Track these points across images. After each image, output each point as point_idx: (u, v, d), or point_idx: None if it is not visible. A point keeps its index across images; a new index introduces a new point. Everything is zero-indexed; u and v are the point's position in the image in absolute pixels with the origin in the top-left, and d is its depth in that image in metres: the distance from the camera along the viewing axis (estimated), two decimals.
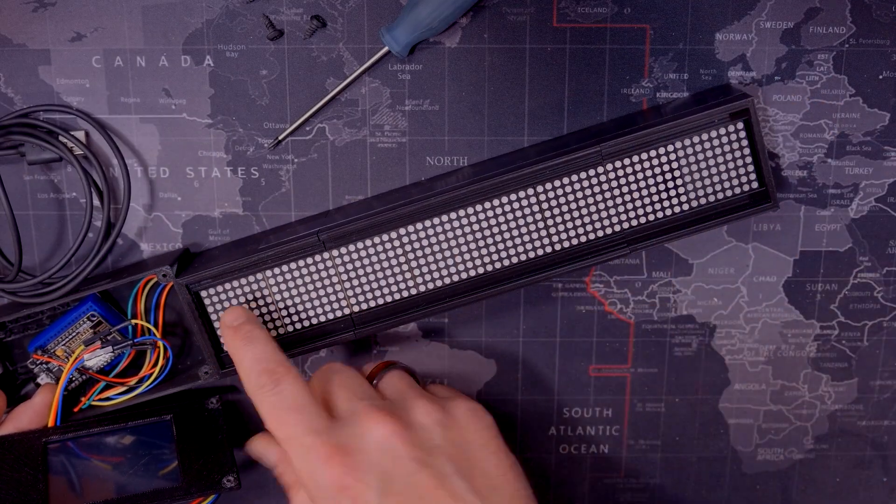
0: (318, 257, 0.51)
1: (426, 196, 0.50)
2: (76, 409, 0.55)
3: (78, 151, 0.53)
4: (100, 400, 0.55)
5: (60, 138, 0.53)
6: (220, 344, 0.53)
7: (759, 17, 0.52)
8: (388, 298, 0.52)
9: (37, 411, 0.53)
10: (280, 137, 0.54)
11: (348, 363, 0.58)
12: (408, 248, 0.51)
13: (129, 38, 0.53)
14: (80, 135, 0.53)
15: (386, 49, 0.52)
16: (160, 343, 0.54)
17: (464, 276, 0.52)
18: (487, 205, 0.50)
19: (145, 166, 0.55)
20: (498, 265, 0.52)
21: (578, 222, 0.51)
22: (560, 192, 0.50)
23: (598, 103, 0.54)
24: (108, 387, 0.55)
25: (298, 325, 0.53)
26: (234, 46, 0.53)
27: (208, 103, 0.54)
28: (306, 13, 0.52)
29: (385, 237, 0.51)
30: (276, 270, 0.52)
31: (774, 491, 0.60)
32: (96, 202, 0.54)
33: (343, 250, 0.51)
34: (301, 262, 0.51)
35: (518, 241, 0.51)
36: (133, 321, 0.54)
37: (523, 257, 0.51)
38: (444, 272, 0.52)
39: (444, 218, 0.51)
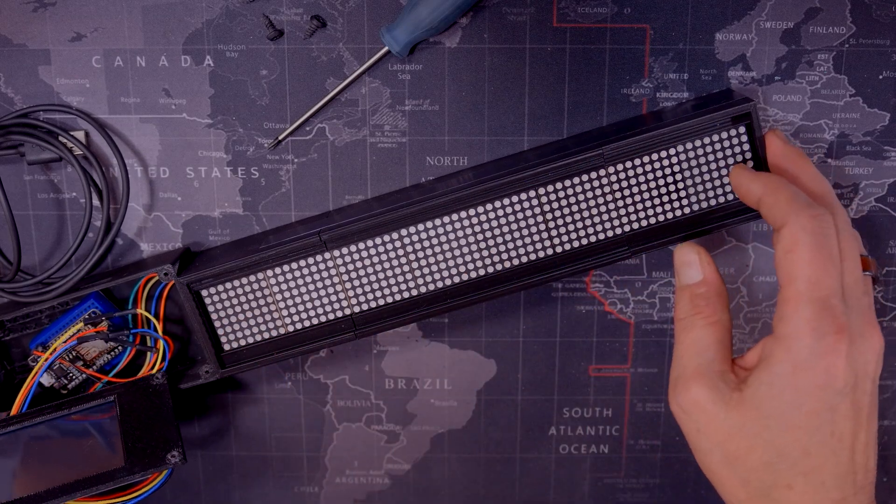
0: (319, 257, 0.51)
1: (428, 197, 0.50)
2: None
3: (78, 151, 0.53)
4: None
5: (60, 138, 0.53)
6: (221, 343, 0.53)
7: (759, 17, 0.52)
8: (389, 299, 0.52)
9: None
10: (280, 137, 0.54)
11: (350, 360, 0.58)
12: (409, 249, 0.51)
13: (129, 38, 0.53)
14: (80, 135, 0.54)
15: (386, 49, 0.52)
16: (160, 341, 0.54)
17: (465, 277, 0.52)
18: (489, 206, 0.50)
19: (145, 166, 0.55)
20: (499, 267, 0.52)
21: (580, 224, 0.51)
22: (562, 194, 0.50)
23: (599, 103, 0.54)
24: (106, 386, 0.55)
25: (299, 325, 0.53)
26: (234, 46, 0.53)
27: (208, 103, 0.54)
28: (306, 13, 0.52)
29: (386, 238, 0.51)
30: (277, 270, 0.52)
31: None
32: (96, 202, 0.54)
33: (344, 251, 0.51)
34: (302, 262, 0.51)
35: (519, 243, 0.51)
36: (134, 311, 0.54)
37: (524, 259, 0.51)
38: (446, 273, 0.52)
39: (446, 219, 0.51)
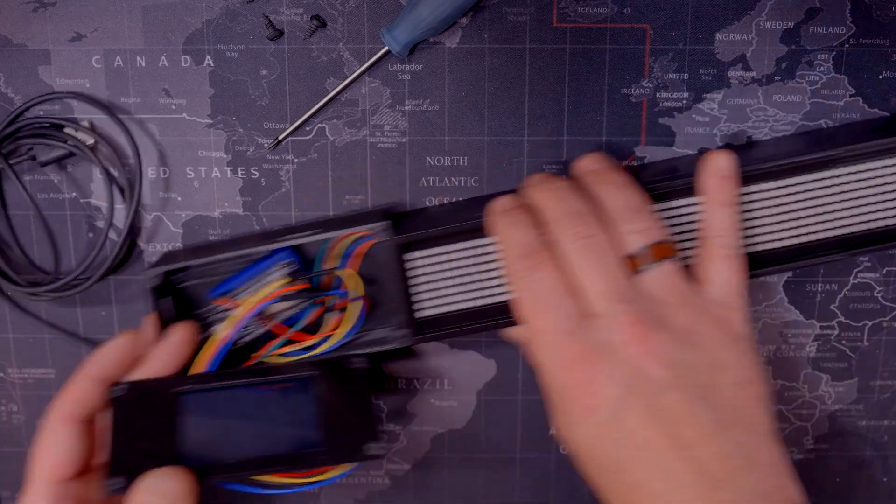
0: None
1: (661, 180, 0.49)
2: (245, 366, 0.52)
3: (89, 140, 0.53)
4: (276, 357, 0.52)
5: (66, 130, 0.52)
6: (415, 308, 0.51)
7: (759, 17, 0.52)
8: None
9: (171, 352, 0.49)
10: (280, 137, 0.54)
11: None
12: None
13: (129, 38, 0.53)
14: (84, 123, 0.53)
15: (386, 49, 0.52)
16: (356, 302, 0.50)
17: None
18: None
19: (145, 166, 0.55)
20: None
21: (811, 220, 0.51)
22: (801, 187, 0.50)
23: (599, 103, 0.54)
24: (286, 343, 0.52)
25: (499, 299, 0.51)
26: (234, 46, 0.53)
27: (208, 103, 0.54)
28: (306, 13, 0.52)
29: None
30: (490, 239, 0.50)
31: None
32: (97, 205, 0.54)
33: None
34: None
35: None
36: (340, 271, 0.51)
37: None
38: None
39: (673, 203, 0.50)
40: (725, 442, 0.42)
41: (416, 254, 0.51)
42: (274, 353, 0.52)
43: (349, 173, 0.55)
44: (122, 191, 0.54)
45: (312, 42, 0.53)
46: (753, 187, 0.50)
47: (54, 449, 0.47)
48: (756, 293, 0.57)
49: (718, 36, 0.53)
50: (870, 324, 0.57)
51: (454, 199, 0.55)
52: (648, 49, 0.53)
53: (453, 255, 0.51)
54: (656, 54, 0.53)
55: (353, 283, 0.52)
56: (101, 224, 0.56)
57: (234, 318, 0.50)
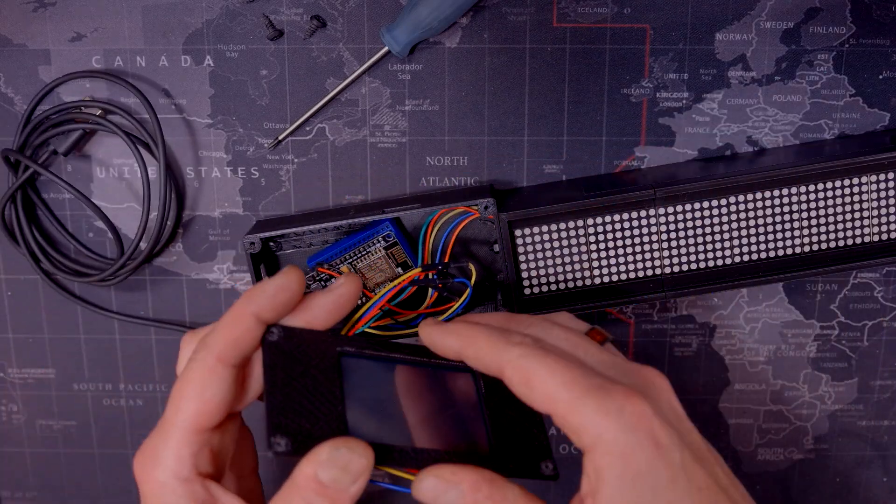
0: (643, 212, 0.51)
1: (772, 168, 0.51)
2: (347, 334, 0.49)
3: (96, 112, 0.53)
4: (374, 329, 0.51)
5: (72, 112, 0.53)
6: (523, 287, 0.52)
7: (759, 17, 0.52)
8: (703, 265, 0.52)
9: (338, 305, 0.42)
10: (280, 137, 0.54)
11: None
12: (734, 217, 0.51)
13: (129, 38, 0.53)
14: (86, 98, 0.54)
15: (386, 49, 0.52)
16: (468, 289, 0.49)
17: (798, 250, 0.52)
18: (822, 185, 0.52)
19: (145, 166, 0.55)
20: (815, 248, 0.53)
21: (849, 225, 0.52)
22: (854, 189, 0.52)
23: (599, 103, 0.54)
24: (387, 315, 0.51)
25: (606, 279, 0.52)
26: (234, 46, 0.53)
27: (208, 103, 0.54)
28: (306, 13, 0.52)
29: (722, 202, 0.51)
30: (598, 219, 0.51)
31: (774, 491, 0.60)
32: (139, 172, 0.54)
33: (669, 209, 0.51)
34: (625, 215, 0.51)
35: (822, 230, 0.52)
36: (460, 263, 0.51)
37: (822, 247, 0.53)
38: (763, 246, 0.52)
39: (784, 191, 0.51)
40: (739, 487, 0.42)
41: (526, 231, 0.51)
42: (372, 325, 0.50)
43: (349, 173, 0.55)
44: (147, 147, 0.53)
45: (312, 42, 0.53)
46: (758, 194, 0.51)
47: (205, 394, 0.39)
48: (756, 293, 0.57)
49: (718, 36, 0.53)
50: (870, 324, 0.57)
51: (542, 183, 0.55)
52: (648, 49, 0.53)
53: (563, 234, 0.51)
54: (656, 54, 0.53)
55: (474, 270, 0.51)
56: (100, 225, 0.56)
57: (380, 296, 0.47)
